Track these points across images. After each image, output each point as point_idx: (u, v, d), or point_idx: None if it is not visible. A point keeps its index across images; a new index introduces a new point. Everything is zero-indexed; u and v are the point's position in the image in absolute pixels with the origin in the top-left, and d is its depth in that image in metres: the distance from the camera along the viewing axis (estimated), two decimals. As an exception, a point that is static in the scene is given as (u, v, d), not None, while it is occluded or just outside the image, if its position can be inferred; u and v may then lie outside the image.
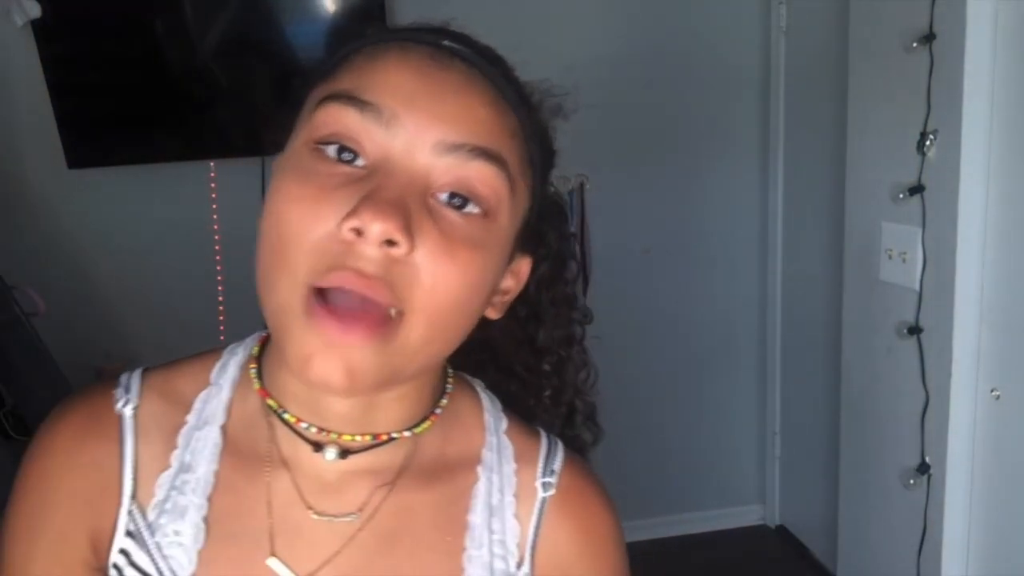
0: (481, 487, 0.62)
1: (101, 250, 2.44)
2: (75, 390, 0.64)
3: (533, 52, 2.89)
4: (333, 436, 0.57)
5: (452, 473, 0.62)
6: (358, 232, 0.48)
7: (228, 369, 0.62)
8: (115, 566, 0.58)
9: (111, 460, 0.58)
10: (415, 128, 0.52)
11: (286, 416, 0.57)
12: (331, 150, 0.52)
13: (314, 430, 0.57)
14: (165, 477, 0.58)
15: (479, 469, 0.62)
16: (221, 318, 2.46)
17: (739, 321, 2.82)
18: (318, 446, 0.57)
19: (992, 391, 1.72)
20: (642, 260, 2.71)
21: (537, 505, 0.63)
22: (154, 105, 2.31)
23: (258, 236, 0.53)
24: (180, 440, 0.59)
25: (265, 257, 0.52)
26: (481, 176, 0.53)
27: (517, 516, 0.62)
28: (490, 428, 0.65)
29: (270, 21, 2.28)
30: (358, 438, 0.57)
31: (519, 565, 0.62)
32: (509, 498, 0.63)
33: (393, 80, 0.53)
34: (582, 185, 2.60)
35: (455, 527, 0.61)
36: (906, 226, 1.83)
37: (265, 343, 0.63)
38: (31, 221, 2.39)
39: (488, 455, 0.63)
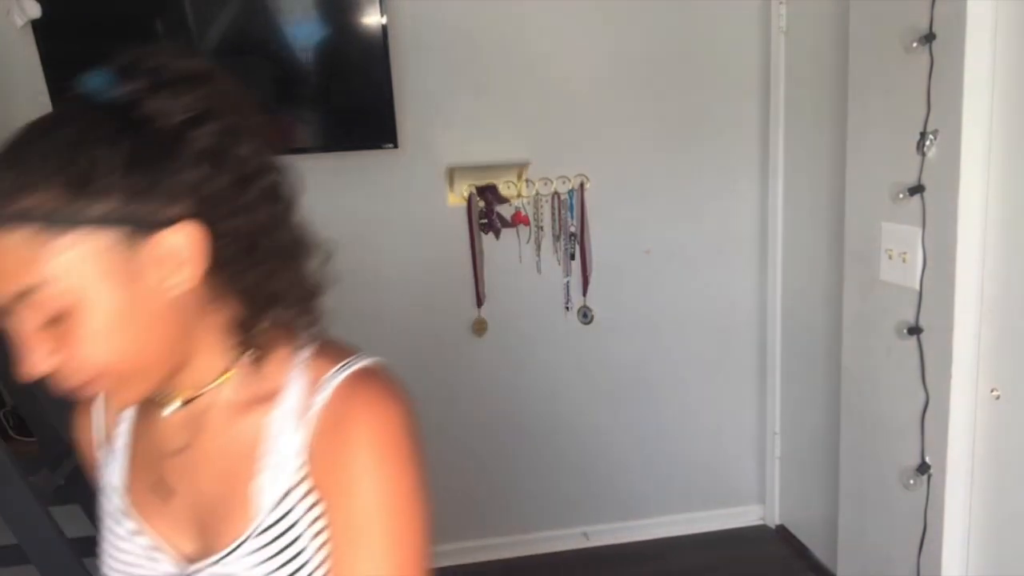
0: (276, 413, 0.77)
1: (101, 250, 2.43)
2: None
3: (533, 53, 2.87)
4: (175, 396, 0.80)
5: (256, 405, 0.79)
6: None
7: None
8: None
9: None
10: None
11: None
12: None
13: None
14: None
15: (277, 399, 0.78)
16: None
17: (739, 321, 2.82)
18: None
19: (992, 391, 1.72)
20: (642, 260, 2.71)
21: (312, 416, 0.76)
22: (154, 105, 2.31)
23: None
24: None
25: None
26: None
27: (298, 429, 0.76)
28: (295, 365, 0.79)
29: (270, 21, 2.29)
30: (179, 399, 0.80)
31: (300, 469, 0.76)
32: (291, 419, 0.77)
33: None
34: (582, 185, 2.61)
35: (255, 440, 0.78)
36: (906, 226, 1.83)
37: None
38: (31, 221, 2.39)
39: (288, 387, 0.78)
